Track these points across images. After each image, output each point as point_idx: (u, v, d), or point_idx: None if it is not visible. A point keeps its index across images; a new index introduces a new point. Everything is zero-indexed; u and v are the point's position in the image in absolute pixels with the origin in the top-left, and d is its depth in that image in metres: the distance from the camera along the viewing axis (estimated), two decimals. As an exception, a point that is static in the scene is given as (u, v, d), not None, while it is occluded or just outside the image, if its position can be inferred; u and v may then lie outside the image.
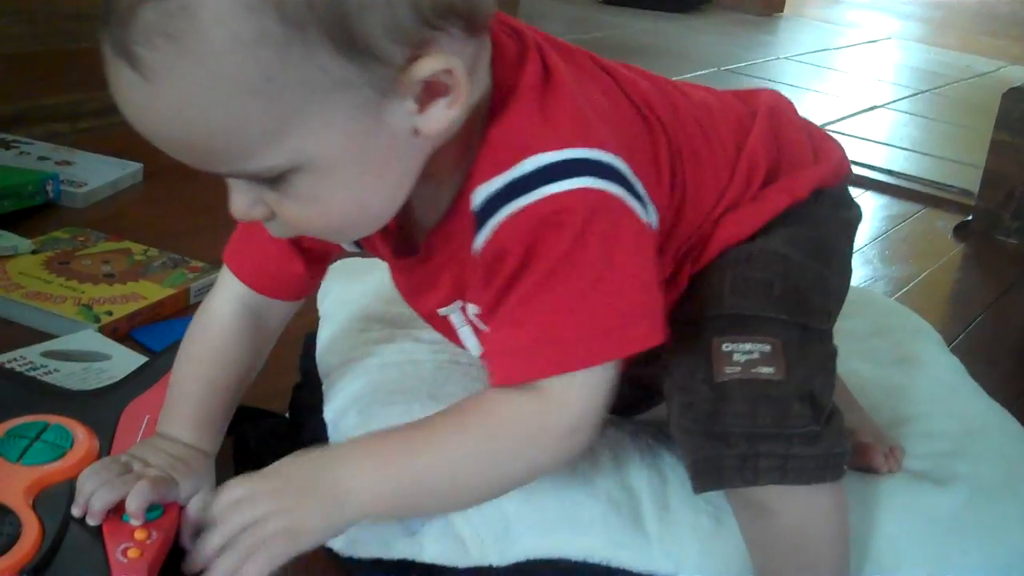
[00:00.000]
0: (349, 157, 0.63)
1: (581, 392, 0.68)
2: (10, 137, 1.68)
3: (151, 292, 1.23)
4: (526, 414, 0.69)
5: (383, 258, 0.81)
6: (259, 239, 0.78)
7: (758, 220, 0.81)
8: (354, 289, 1.06)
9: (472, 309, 0.76)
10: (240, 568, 0.67)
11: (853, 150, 1.26)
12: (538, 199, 0.66)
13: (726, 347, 0.75)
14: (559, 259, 0.66)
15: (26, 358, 1.06)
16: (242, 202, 0.66)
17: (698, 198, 0.79)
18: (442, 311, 0.80)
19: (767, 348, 0.75)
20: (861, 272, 1.71)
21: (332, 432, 0.89)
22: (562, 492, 0.84)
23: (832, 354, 0.80)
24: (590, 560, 0.80)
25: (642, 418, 0.96)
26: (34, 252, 1.30)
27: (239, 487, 0.70)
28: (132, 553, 0.72)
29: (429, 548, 0.79)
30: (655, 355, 0.79)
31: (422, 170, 0.67)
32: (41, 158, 1.62)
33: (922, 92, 3.34)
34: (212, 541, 0.68)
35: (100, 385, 0.96)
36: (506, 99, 0.68)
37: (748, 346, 0.75)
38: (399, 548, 0.79)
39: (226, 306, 0.83)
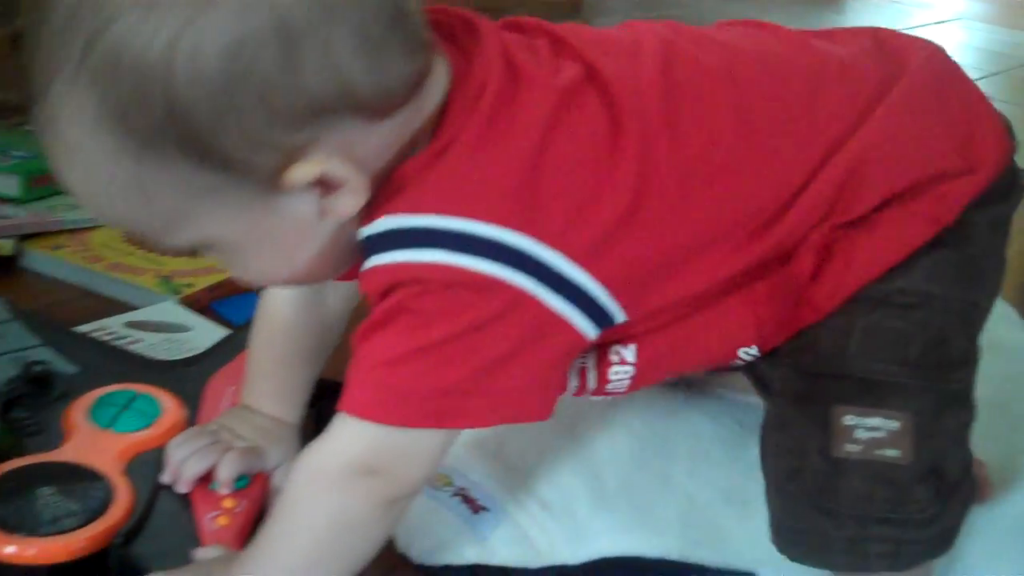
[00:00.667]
0: (253, 240, 0.63)
1: (373, 438, 0.64)
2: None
3: (228, 265, 1.24)
4: (329, 455, 0.66)
5: None
6: None
7: (895, 255, 0.70)
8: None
9: None
10: None
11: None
12: (383, 264, 0.62)
13: (848, 420, 0.68)
14: (386, 318, 0.62)
15: (110, 328, 1.08)
16: None
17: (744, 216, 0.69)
18: None
19: (895, 425, 0.67)
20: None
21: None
22: (634, 491, 0.83)
23: (969, 419, 0.72)
24: (667, 558, 0.80)
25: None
26: (114, 224, 1.32)
27: (161, 573, 0.69)
28: (222, 521, 0.74)
29: (500, 552, 0.80)
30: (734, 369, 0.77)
31: None
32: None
33: (993, 75, 3.27)
34: None
35: (183, 356, 0.98)
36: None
37: (875, 421, 0.68)
38: (470, 554, 0.79)
39: None
